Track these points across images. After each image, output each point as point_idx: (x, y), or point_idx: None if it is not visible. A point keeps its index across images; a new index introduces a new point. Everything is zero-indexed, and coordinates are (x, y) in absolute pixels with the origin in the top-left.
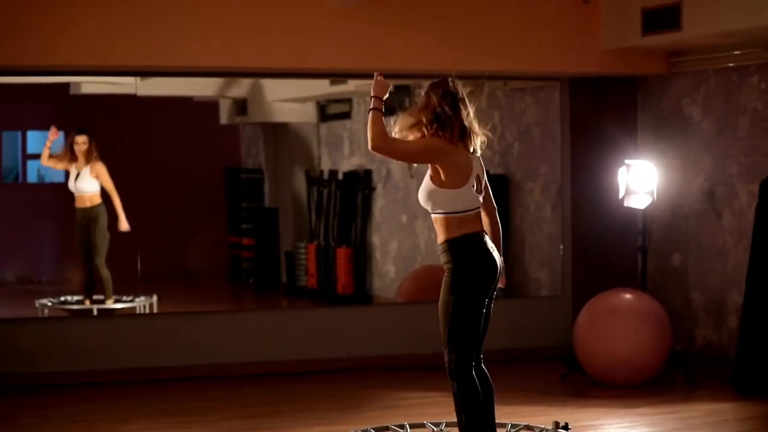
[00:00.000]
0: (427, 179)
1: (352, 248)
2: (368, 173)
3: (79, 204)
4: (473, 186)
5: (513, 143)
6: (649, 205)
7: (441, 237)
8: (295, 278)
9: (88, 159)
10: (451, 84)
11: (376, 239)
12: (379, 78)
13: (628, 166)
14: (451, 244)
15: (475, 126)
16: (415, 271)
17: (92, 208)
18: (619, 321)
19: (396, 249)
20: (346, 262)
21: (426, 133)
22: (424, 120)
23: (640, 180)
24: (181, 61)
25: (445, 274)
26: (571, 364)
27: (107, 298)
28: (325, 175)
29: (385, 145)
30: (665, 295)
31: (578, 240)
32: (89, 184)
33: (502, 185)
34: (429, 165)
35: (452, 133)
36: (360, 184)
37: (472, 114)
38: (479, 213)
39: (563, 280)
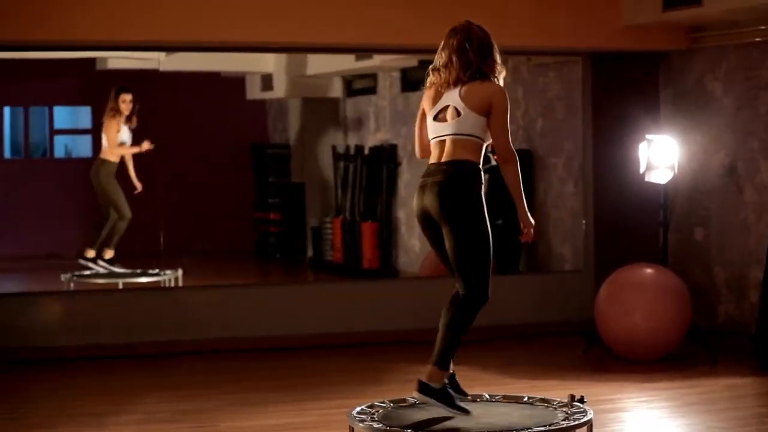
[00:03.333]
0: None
1: (378, 223)
2: (393, 148)
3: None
4: None
5: (536, 118)
6: (671, 180)
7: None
8: (321, 253)
9: (131, 115)
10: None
11: (401, 214)
12: None
13: (649, 141)
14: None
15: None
16: None
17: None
18: (640, 295)
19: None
20: (371, 236)
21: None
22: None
23: (661, 155)
24: (206, 36)
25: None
26: (592, 338)
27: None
28: (351, 150)
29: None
30: (687, 270)
31: (600, 215)
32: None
33: (525, 160)
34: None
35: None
36: (385, 159)
37: None
38: None
39: (585, 254)
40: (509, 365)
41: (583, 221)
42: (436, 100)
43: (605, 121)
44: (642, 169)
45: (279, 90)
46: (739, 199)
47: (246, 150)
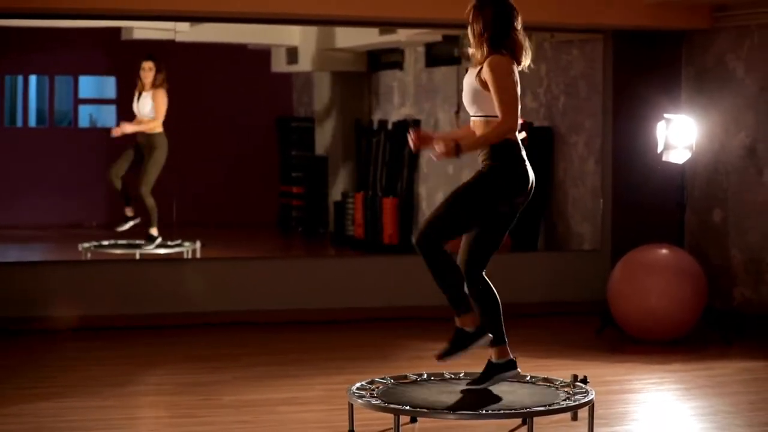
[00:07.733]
0: (474, 82)
1: (399, 199)
2: (417, 123)
3: None
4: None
5: (559, 96)
6: (690, 160)
7: None
8: (343, 227)
9: (153, 84)
10: None
11: (422, 190)
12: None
13: (667, 120)
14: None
15: (526, 41)
16: None
17: (151, 135)
18: (654, 276)
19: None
20: (392, 212)
21: (486, 52)
22: (484, 38)
23: (679, 135)
24: (231, 6)
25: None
26: (606, 318)
27: (151, 227)
28: (375, 125)
29: (513, 118)
30: (705, 252)
31: (619, 194)
32: (149, 109)
33: (546, 138)
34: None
35: (513, 49)
36: (408, 134)
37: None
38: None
39: (603, 234)
40: (522, 343)
41: (601, 200)
42: None
43: (626, 100)
44: (660, 149)
45: (304, 63)
46: (758, 181)
47: (271, 123)
